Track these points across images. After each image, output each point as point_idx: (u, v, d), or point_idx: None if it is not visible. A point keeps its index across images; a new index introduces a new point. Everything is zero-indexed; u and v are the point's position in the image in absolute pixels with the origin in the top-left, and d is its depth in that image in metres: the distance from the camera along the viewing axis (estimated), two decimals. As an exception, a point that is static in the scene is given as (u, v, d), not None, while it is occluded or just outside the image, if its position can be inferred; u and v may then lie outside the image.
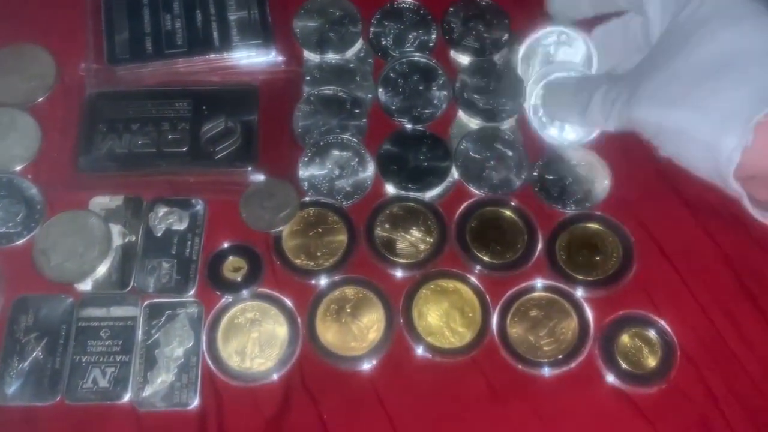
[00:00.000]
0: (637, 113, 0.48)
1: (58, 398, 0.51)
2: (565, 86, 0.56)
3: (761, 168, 0.45)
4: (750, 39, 0.46)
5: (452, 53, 0.63)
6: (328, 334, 0.53)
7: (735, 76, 0.45)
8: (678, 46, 0.48)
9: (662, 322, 0.53)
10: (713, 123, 0.44)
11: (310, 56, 0.62)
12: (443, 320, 0.54)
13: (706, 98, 0.45)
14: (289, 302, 0.54)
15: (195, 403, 0.51)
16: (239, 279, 0.54)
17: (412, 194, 0.57)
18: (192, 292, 0.54)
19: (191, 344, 0.53)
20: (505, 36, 0.62)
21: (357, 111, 0.60)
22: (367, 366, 0.53)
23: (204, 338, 0.53)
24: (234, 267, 0.55)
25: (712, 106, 0.45)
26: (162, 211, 0.57)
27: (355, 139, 0.59)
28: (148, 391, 0.51)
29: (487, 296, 0.54)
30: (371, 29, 0.63)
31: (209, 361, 0.52)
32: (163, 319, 0.53)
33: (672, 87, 0.47)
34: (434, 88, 0.61)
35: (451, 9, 0.63)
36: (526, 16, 0.62)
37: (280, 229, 0.56)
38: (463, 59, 0.62)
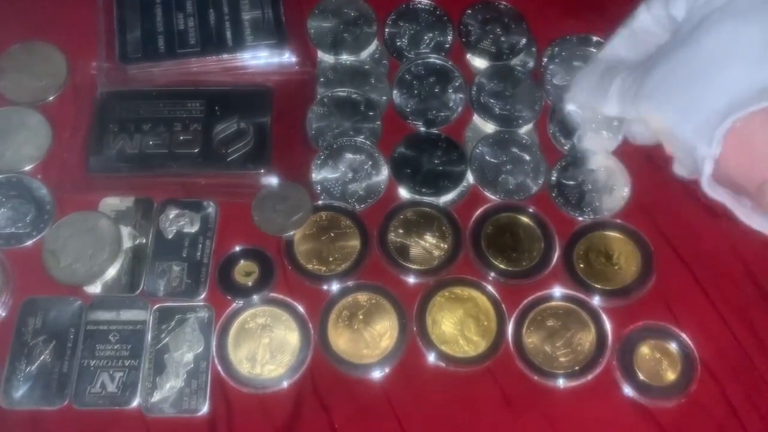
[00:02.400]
0: (642, 108, 0.47)
1: (66, 403, 0.51)
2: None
3: (737, 177, 0.43)
4: (749, 34, 0.43)
5: (468, 56, 0.61)
6: (340, 340, 0.52)
7: (722, 76, 0.43)
8: (683, 38, 0.46)
9: (682, 334, 0.52)
10: (694, 127, 0.43)
11: (324, 57, 0.61)
12: (457, 328, 0.53)
13: (692, 99, 0.44)
14: (300, 308, 0.53)
15: (204, 409, 0.51)
16: (250, 283, 0.54)
17: (426, 199, 0.56)
18: (202, 296, 0.54)
19: (201, 349, 0.52)
20: (523, 41, 0.61)
21: (371, 113, 0.59)
22: (379, 374, 0.52)
23: (214, 343, 0.52)
24: (245, 271, 0.54)
25: (695, 108, 0.43)
26: (173, 213, 0.56)
27: (368, 142, 0.58)
28: (157, 397, 0.51)
29: (503, 304, 0.53)
30: (386, 30, 0.62)
31: (219, 367, 0.52)
32: (173, 323, 0.53)
33: (667, 83, 0.46)
34: (450, 91, 0.60)
35: (469, 11, 0.62)
36: (544, 20, 0.61)
37: (292, 233, 0.55)
38: (480, 63, 0.61)
